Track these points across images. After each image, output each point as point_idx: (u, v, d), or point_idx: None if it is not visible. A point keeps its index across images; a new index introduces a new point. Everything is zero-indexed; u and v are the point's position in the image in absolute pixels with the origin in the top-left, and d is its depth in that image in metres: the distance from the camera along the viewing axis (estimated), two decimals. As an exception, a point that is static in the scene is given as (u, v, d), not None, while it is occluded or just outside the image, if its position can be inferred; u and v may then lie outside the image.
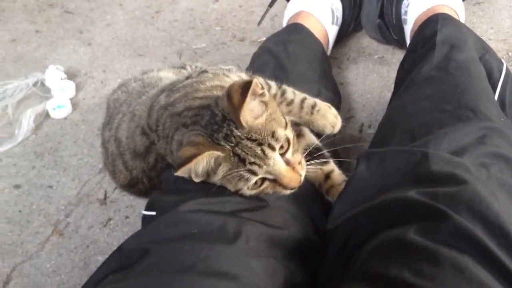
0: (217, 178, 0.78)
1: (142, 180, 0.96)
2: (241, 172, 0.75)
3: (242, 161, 0.75)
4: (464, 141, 0.85)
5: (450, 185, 0.71)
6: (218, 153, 0.75)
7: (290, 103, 0.97)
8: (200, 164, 0.75)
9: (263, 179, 0.78)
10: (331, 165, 0.96)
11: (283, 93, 0.97)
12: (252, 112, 0.75)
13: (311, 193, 0.94)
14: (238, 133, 0.74)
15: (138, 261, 0.69)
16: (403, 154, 0.82)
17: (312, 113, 0.97)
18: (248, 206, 0.80)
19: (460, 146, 0.84)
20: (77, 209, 1.19)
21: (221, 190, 0.80)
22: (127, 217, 1.16)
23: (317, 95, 1.14)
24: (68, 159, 1.31)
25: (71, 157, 1.31)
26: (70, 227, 1.15)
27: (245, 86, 0.73)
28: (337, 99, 1.25)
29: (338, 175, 0.95)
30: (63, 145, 1.35)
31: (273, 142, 0.75)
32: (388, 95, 1.21)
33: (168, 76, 1.13)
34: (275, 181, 0.78)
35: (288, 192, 0.80)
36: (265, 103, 0.77)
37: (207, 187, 0.80)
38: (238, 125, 0.74)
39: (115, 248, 0.75)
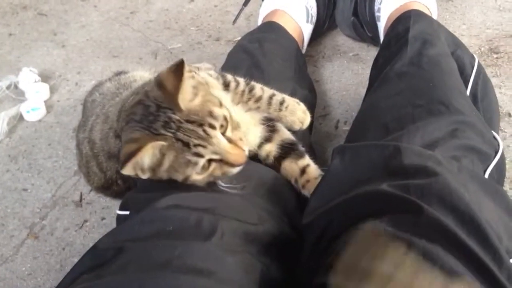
0: (163, 170, 0.78)
1: (117, 181, 0.95)
2: (187, 157, 0.75)
3: (186, 145, 0.75)
4: (436, 135, 0.86)
5: (421, 177, 0.72)
6: (161, 142, 0.75)
7: (258, 99, 0.97)
8: (145, 158, 0.75)
9: (210, 161, 0.78)
10: (306, 160, 0.96)
11: (251, 90, 0.97)
12: (187, 94, 0.76)
13: (287, 189, 0.94)
14: (177, 117, 0.75)
15: (112, 259, 0.68)
16: (376, 148, 0.82)
17: (280, 110, 0.98)
18: (223, 202, 0.79)
19: (432, 139, 0.85)
20: (53, 212, 1.17)
21: (196, 186, 0.80)
22: (103, 219, 1.15)
23: (292, 92, 1.14)
24: (43, 161, 1.29)
25: (45, 160, 1.30)
26: (45, 230, 1.14)
27: (177, 69, 0.74)
28: (312, 96, 1.26)
29: (314, 169, 0.95)
30: (38, 148, 1.33)
31: (212, 121, 0.76)
32: (363, 91, 1.22)
33: (144, 76, 1.12)
34: (222, 161, 0.78)
35: (236, 170, 0.80)
36: (195, 87, 0.78)
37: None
38: (176, 109, 0.75)
39: (91, 250, 0.74)
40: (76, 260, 1.05)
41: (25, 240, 1.13)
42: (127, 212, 0.85)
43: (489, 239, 0.64)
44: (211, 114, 0.76)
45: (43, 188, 1.23)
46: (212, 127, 0.76)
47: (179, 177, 0.79)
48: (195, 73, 0.85)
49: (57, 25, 1.80)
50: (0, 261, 1.09)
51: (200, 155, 0.76)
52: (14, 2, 1.94)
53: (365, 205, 0.73)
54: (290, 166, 0.95)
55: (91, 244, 1.08)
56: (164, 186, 0.81)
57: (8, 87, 1.51)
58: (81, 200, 1.19)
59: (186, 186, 0.80)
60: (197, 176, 0.79)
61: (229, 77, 0.96)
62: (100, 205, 1.17)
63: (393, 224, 0.67)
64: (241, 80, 0.98)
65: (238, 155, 0.79)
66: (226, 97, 0.88)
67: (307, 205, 0.84)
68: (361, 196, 0.75)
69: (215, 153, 0.77)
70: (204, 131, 0.75)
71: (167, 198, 0.76)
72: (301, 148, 0.97)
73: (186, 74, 0.75)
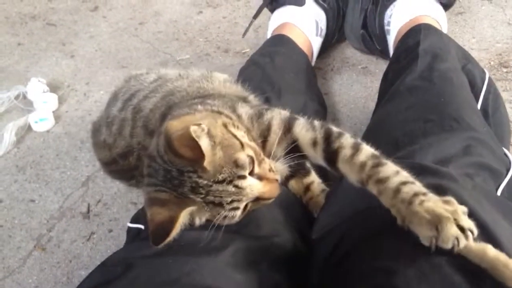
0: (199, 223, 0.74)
1: (133, 153, 0.90)
2: (223, 213, 0.71)
3: (219, 205, 0.71)
4: (449, 151, 0.85)
5: (435, 192, 0.72)
6: (192, 208, 0.71)
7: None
8: (180, 225, 0.70)
9: (246, 204, 0.74)
10: (312, 177, 0.95)
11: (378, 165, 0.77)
12: (209, 151, 0.70)
13: (298, 204, 0.94)
14: (205, 182, 0.70)
15: (121, 275, 0.68)
16: None
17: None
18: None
19: (446, 156, 0.84)
20: (60, 223, 1.17)
21: None
22: (110, 231, 1.14)
23: (303, 107, 1.14)
24: (51, 172, 1.29)
25: (53, 171, 1.30)
26: (52, 242, 1.13)
27: (188, 138, 0.66)
28: (323, 110, 1.26)
29: (316, 185, 0.94)
30: (45, 159, 1.33)
31: (241, 172, 0.71)
32: (372, 105, 1.21)
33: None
34: (258, 199, 0.74)
35: (272, 200, 0.77)
36: (211, 135, 0.71)
37: None
38: (203, 172, 0.69)
39: (98, 262, 0.73)
40: (83, 272, 1.06)
41: (32, 251, 1.12)
42: (139, 225, 0.84)
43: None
44: (237, 164, 0.70)
45: (50, 199, 1.23)
46: (242, 177, 0.71)
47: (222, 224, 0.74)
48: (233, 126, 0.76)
49: (66, 35, 1.80)
50: (7, 273, 1.09)
51: (237, 208, 0.72)
52: (23, 11, 1.94)
53: (377, 219, 0.72)
54: (297, 184, 0.95)
55: (98, 257, 1.10)
56: None
57: (16, 97, 1.51)
58: (88, 211, 1.18)
59: None
60: (236, 220, 0.74)
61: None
62: (108, 217, 1.17)
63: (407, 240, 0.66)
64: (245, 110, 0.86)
65: (272, 189, 0.75)
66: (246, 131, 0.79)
67: (316, 220, 0.83)
68: (373, 209, 0.74)
69: (251, 198, 0.73)
70: (235, 186, 0.70)
71: None
72: (308, 165, 0.96)
73: (199, 133, 0.68)
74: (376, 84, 1.25)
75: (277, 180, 0.76)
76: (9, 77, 1.62)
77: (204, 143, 0.68)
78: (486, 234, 0.64)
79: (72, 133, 1.40)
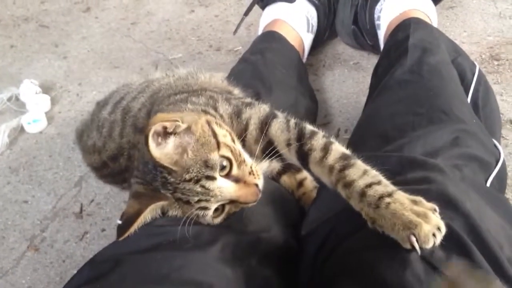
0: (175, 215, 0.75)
1: (123, 154, 0.89)
2: (194, 212, 0.72)
3: (187, 203, 0.72)
4: (437, 143, 0.85)
5: (422, 184, 0.72)
6: (161, 202, 0.73)
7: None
8: (146, 219, 0.72)
9: (222, 205, 0.74)
10: (304, 173, 0.95)
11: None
12: (177, 150, 0.71)
13: (290, 201, 0.94)
14: (172, 179, 0.70)
15: (110, 272, 0.68)
16: (377, 159, 0.81)
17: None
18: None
19: (434, 148, 0.84)
20: (53, 224, 1.17)
21: None
22: (103, 230, 1.14)
23: (294, 102, 1.14)
24: (44, 173, 1.29)
25: (46, 171, 1.30)
26: (45, 242, 1.13)
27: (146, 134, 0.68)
28: (314, 105, 1.26)
29: (309, 182, 0.95)
30: (38, 160, 1.33)
31: (209, 172, 0.70)
32: (364, 100, 1.21)
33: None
34: (234, 201, 0.74)
35: (252, 204, 0.75)
36: (179, 145, 0.71)
37: None
38: (169, 170, 0.70)
39: (91, 262, 0.73)
40: (76, 272, 1.06)
41: (25, 252, 1.12)
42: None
43: (489, 247, 0.63)
44: (206, 164, 0.70)
45: (43, 200, 1.23)
46: (211, 178, 0.70)
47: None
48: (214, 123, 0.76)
49: (58, 36, 1.80)
50: (0, 274, 1.09)
51: (205, 208, 0.72)
52: (16, 14, 1.95)
53: None
54: (289, 179, 0.95)
55: (91, 256, 1.09)
56: None
57: (9, 99, 1.51)
58: (81, 211, 1.18)
59: None
60: (214, 221, 0.74)
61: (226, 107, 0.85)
62: (101, 216, 1.17)
63: None
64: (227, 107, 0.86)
65: (248, 194, 0.73)
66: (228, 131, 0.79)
67: (306, 216, 0.83)
68: None
69: (221, 201, 0.73)
70: (202, 186, 0.70)
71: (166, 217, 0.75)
72: None
73: (170, 129, 0.70)
74: (368, 79, 1.25)
75: (256, 185, 0.74)
76: (2, 79, 1.62)
77: (162, 146, 0.70)
78: (469, 224, 0.65)
79: (65, 134, 1.40)
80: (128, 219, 0.71)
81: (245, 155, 0.76)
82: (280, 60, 1.24)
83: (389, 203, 0.65)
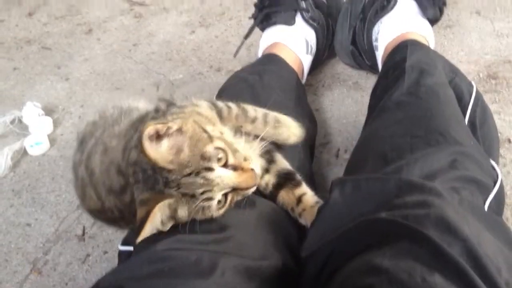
0: (181, 218, 0.78)
1: (113, 212, 0.90)
2: (200, 204, 0.75)
3: (193, 196, 0.75)
4: (435, 166, 0.86)
5: (421, 208, 0.73)
6: (168, 200, 0.75)
7: (254, 120, 0.96)
8: (158, 218, 0.75)
9: (225, 194, 0.78)
10: (303, 188, 0.96)
11: (245, 112, 0.96)
12: (171, 151, 0.75)
13: (288, 221, 0.94)
14: (173, 177, 0.74)
15: (112, 299, 0.69)
16: (376, 182, 0.82)
17: (276, 126, 0.97)
18: (225, 239, 0.79)
19: (432, 171, 0.85)
20: (56, 246, 1.18)
21: (198, 225, 0.80)
22: (105, 252, 1.15)
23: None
24: (46, 195, 1.30)
25: (49, 194, 1.31)
26: (48, 265, 1.14)
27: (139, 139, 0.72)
28: (312, 126, 1.27)
29: (310, 197, 0.95)
30: (41, 182, 1.34)
31: (207, 164, 0.75)
32: (363, 119, 1.22)
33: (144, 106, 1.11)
34: (235, 189, 0.78)
35: (252, 190, 0.81)
36: (173, 146, 0.75)
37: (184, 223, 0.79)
38: (168, 170, 0.74)
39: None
40: (79, 297, 1.07)
41: (29, 275, 1.13)
42: (129, 248, 0.86)
43: (488, 271, 0.64)
44: (203, 157, 0.75)
45: (46, 222, 1.24)
46: (209, 169, 0.75)
47: (203, 217, 0.78)
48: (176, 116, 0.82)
49: (61, 58, 1.82)
50: (4, 298, 1.10)
51: (210, 199, 0.76)
52: (18, 36, 1.97)
53: (365, 234, 0.73)
54: (287, 195, 0.95)
55: (93, 279, 1.10)
56: None
57: (12, 122, 1.53)
58: (83, 234, 1.19)
59: (191, 226, 0.79)
60: (219, 212, 0.79)
61: (220, 104, 0.95)
62: (103, 238, 1.18)
63: (392, 254, 0.68)
64: (233, 105, 0.97)
65: (247, 179, 0.79)
66: (217, 126, 0.86)
67: (305, 238, 0.84)
68: (360, 226, 0.75)
69: (224, 189, 0.77)
70: (204, 177, 0.74)
71: (170, 240, 0.76)
72: (298, 177, 0.97)
73: (151, 148, 0.73)
74: (367, 99, 1.27)
75: (252, 169, 0.80)
76: (5, 101, 1.64)
77: (156, 148, 0.73)
78: (467, 249, 0.65)
79: (67, 156, 1.41)
80: (140, 222, 0.74)
81: (237, 143, 0.83)
82: (278, 82, 1.26)
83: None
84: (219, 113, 0.94)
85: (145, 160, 0.74)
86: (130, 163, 0.80)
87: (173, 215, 0.77)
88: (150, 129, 0.72)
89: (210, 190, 0.75)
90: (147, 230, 0.75)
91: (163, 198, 0.75)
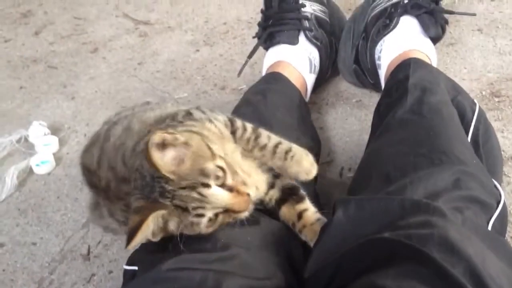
0: (171, 230, 0.79)
1: (101, 181, 0.90)
2: (190, 219, 0.76)
3: (186, 210, 0.76)
4: (439, 186, 0.86)
5: (424, 228, 0.73)
6: (161, 211, 0.76)
7: (263, 148, 0.93)
8: (150, 229, 0.76)
9: (216, 214, 0.78)
10: (305, 204, 0.96)
11: (257, 138, 0.94)
12: (174, 161, 0.76)
13: (292, 240, 0.94)
14: (170, 187, 0.75)
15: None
16: (380, 202, 0.82)
17: (285, 159, 0.93)
18: (229, 259, 0.80)
19: (436, 190, 0.85)
20: (61, 266, 1.18)
21: (203, 244, 0.80)
22: (110, 272, 1.15)
23: (295, 142, 1.15)
24: (52, 214, 1.31)
25: (54, 213, 1.31)
26: (54, 285, 1.14)
27: (148, 154, 0.74)
28: (316, 145, 1.27)
29: (311, 214, 0.94)
30: (47, 201, 1.35)
31: (205, 180, 0.76)
32: (367, 138, 1.23)
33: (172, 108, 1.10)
34: (227, 211, 0.79)
35: (245, 214, 0.81)
36: (186, 144, 0.77)
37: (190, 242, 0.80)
38: (166, 179, 0.75)
39: (97, 305, 0.74)
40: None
41: (34, 295, 1.14)
42: (134, 267, 0.86)
43: None
44: (202, 173, 0.76)
45: (52, 242, 1.24)
46: (206, 186, 0.76)
47: (191, 233, 0.79)
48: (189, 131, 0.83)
49: (66, 77, 1.84)
50: (9, 318, 1.10)
51: (201, 215, 0.77)
52: (24, 55, 1.99)
53: (369, 254, 0.74)
54: (289, 211, 0.95)
55: (98, 300, 1.10)
56: (169, 246, 0.81)
57: (18, 141, 1.54)
58: (88, 253, 1.20)
59: (194, 245, 0.80)
60: (208, 230, 0.79)
61: (238, 123, 0.94)
62: (108, 258, 1.18)
63: (396, 274, 0.68)
64: (249, 127, 0.95)
65: (241, 202, 0.79)
66: (226, 145, 0.87)
67: (309, 258, 0.84)
68: (364, 246, 0.75)
69: (216, 208, 0.77)
70: (199, 193, 0.75)
71: (174, 260, 0.77)
72: (302, 192, 0.97)
73: (169, 141, 0.75)
74: (370, 117, 1.27)
75: (248, 194, 0.80)
76: (11, 120, 1.66)
77: (162, 155, 0.75)
78: (470, 269, 0.65)
79: (73, 175, 1.42)
80: (132, 231, 0.75)
81: (245, 165, 0.85)
82: (282, 101, 1.27)
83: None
84: (234, 133, 0.94)
85: (146, 166, 0.76)
86: (133, 169, 0.81)
87: (165, 227, 0.78)
88: (158, 137, 0.74)
89: (203, 207, 0.76)
90: (138, 239, 0.75)
91: (156, 208, 0.76)
